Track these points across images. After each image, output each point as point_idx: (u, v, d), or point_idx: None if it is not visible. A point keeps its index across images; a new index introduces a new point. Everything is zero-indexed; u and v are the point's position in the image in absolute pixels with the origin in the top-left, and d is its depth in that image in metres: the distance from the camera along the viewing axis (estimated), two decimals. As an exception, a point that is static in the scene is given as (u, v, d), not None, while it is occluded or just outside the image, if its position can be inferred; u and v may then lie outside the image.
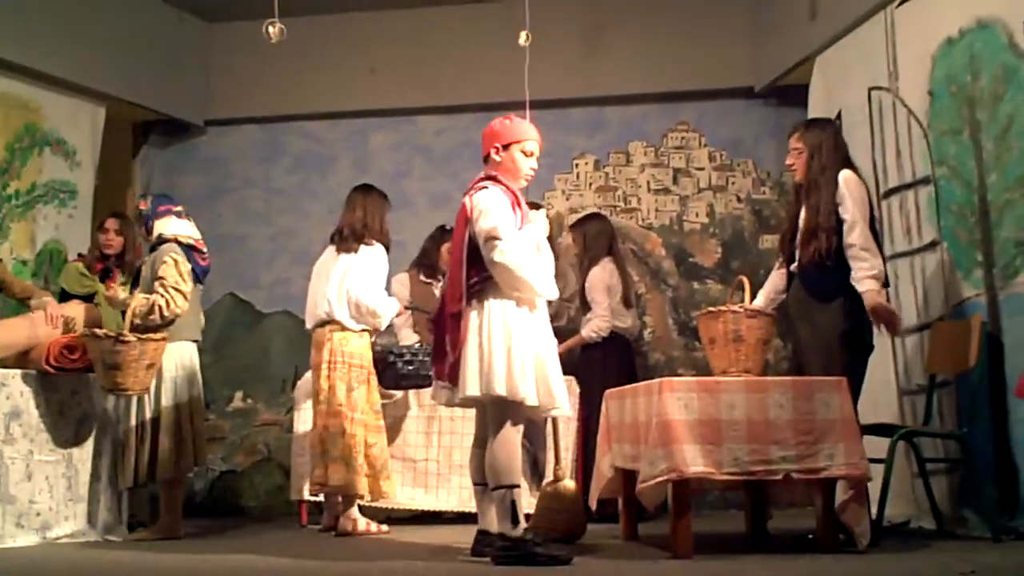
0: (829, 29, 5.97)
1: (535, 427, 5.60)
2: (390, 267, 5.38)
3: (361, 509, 5.31)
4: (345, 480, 5.07)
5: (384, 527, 5.29)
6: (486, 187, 4.00)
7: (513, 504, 3.82)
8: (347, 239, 5.25)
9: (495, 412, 3.93)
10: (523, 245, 3.90)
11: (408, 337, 6.06)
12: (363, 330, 5.24)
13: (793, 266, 4.52)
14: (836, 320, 4.29)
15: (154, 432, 4.99)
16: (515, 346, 3.84)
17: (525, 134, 4.07)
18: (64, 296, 5.55)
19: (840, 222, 4.30)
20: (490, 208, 3.91)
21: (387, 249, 5.35)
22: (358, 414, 5.17)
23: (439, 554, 4.16)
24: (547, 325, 4.04)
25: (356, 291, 5.16)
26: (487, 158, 4.11)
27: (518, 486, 3.88)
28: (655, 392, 3.94)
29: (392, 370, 5.40)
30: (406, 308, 5.64)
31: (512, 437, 3.90)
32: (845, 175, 4.35)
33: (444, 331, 4.01)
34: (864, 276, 4.24)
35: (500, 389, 3.80)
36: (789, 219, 4.62)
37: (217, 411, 7.02)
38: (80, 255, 5.98)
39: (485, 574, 3.63)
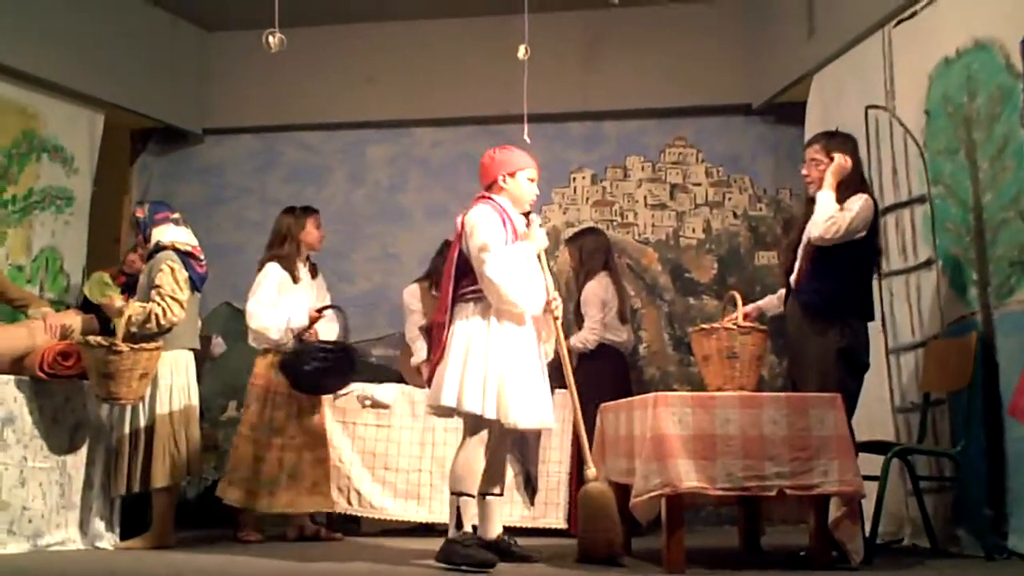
0: (827, 47, 5.99)
1: (526, 443, 5.60)
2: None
3: (330, 517, 5.62)
4: (231, 495, 5.38)
5: (338, 535, 5.41)
6: (477, 206, 4.27)
7: (459, 510, 4.06)
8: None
9: (465, 422, 4.19)
10: (511, 260, 4.11)
11: (422, 350, 5.99)
12: (264, 351, 5.40)
13: (792, 278, 4.52)
14: (832, 337, 4.29)
15: (148, 440, 4.98)
16: (474, 359, 4.06)
17: (529, 163, 4.37)
18: (86, 305, 5.57)
19: (846, 244, 4.29)
20: (480, 225, 4.16)
21: (281, 264, 5.37)
22: (246, 429, 5.36)
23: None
24: (531, 341, 4.22)
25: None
26: (492, 185, 4.34)
27: (472, 496, 4.10)
28: (650, 406, 3.94)
29: (307, 371, 5.23)
30: (318, 312, 5.41)
31: (473, 447, 4.13)
32: (861, 199, 4.32)
33: (431, 337, 4.35)
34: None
35: (450, 400, 4.05)
36: (797, 230, 4.61)
37: (211, 420, 6.99)
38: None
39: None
